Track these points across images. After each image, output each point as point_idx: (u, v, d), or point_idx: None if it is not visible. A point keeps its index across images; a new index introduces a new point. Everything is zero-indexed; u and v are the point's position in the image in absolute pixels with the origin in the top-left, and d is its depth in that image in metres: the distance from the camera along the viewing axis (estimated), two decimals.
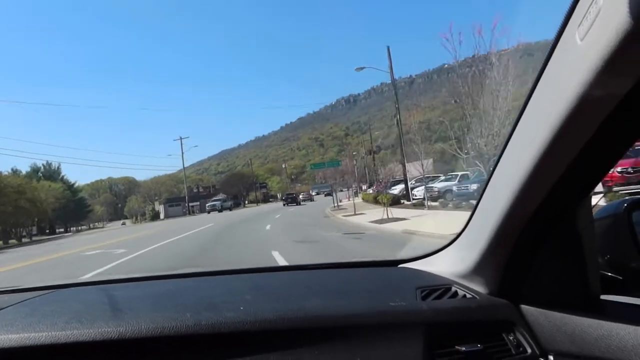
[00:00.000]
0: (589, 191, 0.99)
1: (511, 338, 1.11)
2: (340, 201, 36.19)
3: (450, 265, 1.38)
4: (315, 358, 1.06)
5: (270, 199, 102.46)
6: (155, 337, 1.06)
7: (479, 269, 1.21)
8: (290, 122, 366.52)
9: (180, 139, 71.02)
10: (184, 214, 69.57)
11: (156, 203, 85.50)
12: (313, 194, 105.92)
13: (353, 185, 64.13)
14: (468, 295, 1.22)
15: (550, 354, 1.06)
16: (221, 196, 66.86)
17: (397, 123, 35.96)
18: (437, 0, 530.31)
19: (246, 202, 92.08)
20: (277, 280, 1.71)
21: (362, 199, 39.66)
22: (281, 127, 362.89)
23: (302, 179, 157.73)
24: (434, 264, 1.49)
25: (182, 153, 71.23)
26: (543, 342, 1.08)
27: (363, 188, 61.09)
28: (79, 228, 76.72)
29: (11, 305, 1.36)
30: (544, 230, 1.04)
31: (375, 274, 1.66)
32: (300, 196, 61.97)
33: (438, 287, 1.29)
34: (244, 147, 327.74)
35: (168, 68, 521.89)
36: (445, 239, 1.49)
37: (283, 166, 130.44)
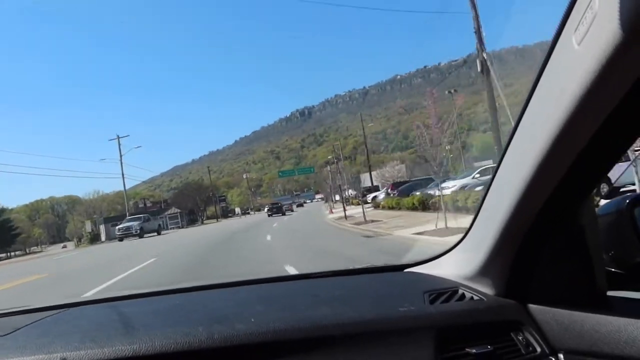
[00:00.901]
0: (591, 189, 1.00)
1: (520, 338, 1.13)
2: (332, 210, 36.48)
3: (456, 267, 1.41)
4: None
5: (229, 214, 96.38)
6: (169, 353, 1.08)
7: (485, 271, 1.23)
8: (245, 136, 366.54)
9: (118, 138, 55.32)
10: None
11: (88, 223, 68.25)
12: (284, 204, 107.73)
13: (336, 194, 64.46)
14: (475, 297, 1.24)
15: (560, 352, 1.07)
16: (139, 217, 45.28)
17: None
18: (388, 14, 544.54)
19: (204, 217, 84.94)
20: (284, 289, 1.77)
21: (355, 204, 38.39)
22: (235, 141, 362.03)
23: (260, 192, 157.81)
24: (440, 267, 1.53)
25: (121, 156, 55.13)
26: (552, 340, 1.09)
27: (346, 195, 62.25)
28: (10, 254, 67.14)
29: (23, 327, 1.39)
30: (548, 228, 1.05)
31: (381, 280, 1.71)
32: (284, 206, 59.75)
33: (445, 291, 1.31)
34: (197, 162, 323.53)
35: (116, 76, 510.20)
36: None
37: (244, 176, 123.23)
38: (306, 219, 33.19)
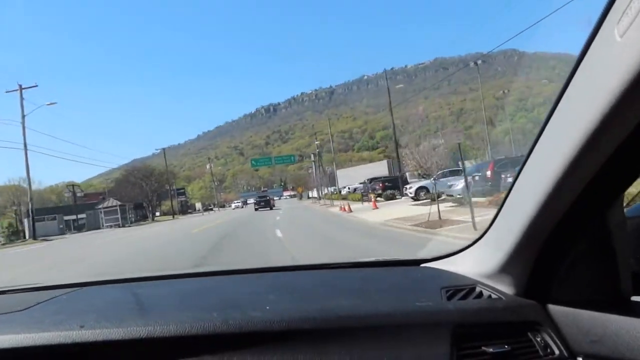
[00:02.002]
0: (622, 190, 0.97)
1: (538, 339, 1.11)
2: (346, 209, 24.43)
3: (474, 265, 1.40)
4: (342, 358, 1.08)
5: (189, 210, 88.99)
6: (184, 336, 1.09)
7: (505, 269, 1.21)
8: (208, 131, 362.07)
9: (20, 88, 39.48)
10: (61, 231, 52.16)
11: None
12: (249, 201, 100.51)
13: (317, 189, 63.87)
14: (494, 296, 1.23)
15: (579, 356, 1.05)
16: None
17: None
18: (356, 13, 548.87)
19: (156, 213, 74.90)
20: (300, 279, 1.78)
21: (351, 198, 37.63)
22: (198, 136, 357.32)
23: (224, 187, 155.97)
24: (458, 263, 1.52)
25: (23, 110, 39.14)
26: (571, 343, 1.07)
27: (327, 190, 60.16)
28: None
29: (39, 303, 1.43)
30: (573, 228, 1.02)
31: (398, 274, 1.71)
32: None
33: (463, 287, 1.31)
34: (158, 155, 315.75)
35: (78, 66, 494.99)
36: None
37: (207, 166, 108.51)
38: (330, 225, 18.01)
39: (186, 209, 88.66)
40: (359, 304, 1.26)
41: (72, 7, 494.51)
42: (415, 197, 25.10)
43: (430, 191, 21.87)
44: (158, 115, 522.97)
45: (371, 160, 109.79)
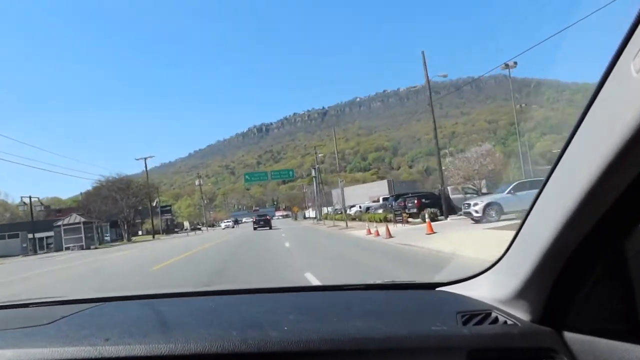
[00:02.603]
0: None
1: None
2: (374, 232, 20.45)
3: (490, 290, 1.39)
4: None
5: (176, 229, 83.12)
6: (204, 354, 1.11)
7: (521, 295, 1.21)
8: (200, 149, 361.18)
9: None
10: (24, 251, 45.97)
11: None
12: (244, 220, 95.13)
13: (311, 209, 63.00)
14: (509, 322, 1.22)
15: None
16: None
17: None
18: (348, 36, 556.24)
19: (139, 232, 70.14)
20: (317, 300, 1.80)
21: (370, 219, 31.76)
22: (189, 154, 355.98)
23: (214, 205, 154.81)
24: (473, 288, 1.51)
25: None
26: None
27: (327, 210, 58.75)
28: None
29: (64, 317, 1.47)
30: (591, 255, 1.02)
31: (414, 297, 1.71)
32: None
33: (478, 312, 1.30)
34: (149, 172, 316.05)
35: (67, 82, 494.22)
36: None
37: (197, 183, 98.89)
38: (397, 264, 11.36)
39: (172, 227, 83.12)
40: (375, 327, 1.27)
41: (63, 28, 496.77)
42: (479, 217, 18.82)
43: (505, 208, 18.00)
44: (149, 133, 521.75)
45: (364, 181, 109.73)
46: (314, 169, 63.52)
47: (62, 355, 1.13)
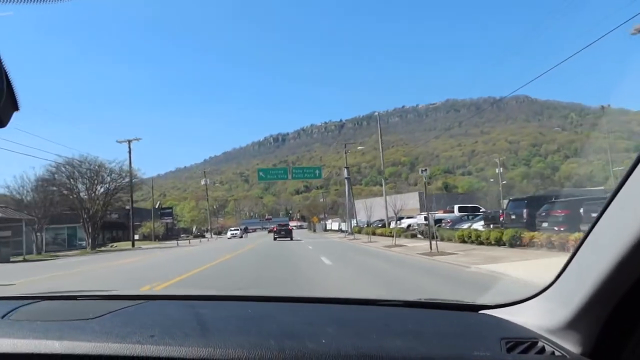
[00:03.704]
0: None
1: None
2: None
3: (538, 317, 1.31)
4: None
5: (182, 235, 76.75)
6: None
7: (572, 325, 1.14)
8: (215, 156, 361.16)
9: None
10: None
11: None
12: (248, 230, 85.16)
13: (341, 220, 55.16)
14: (557, 353, 1.15)
15: None
16: None
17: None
18: (370, 50, 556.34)
19: (135, 236, 58.84)
20: (356, 314, 1.73)
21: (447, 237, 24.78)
22: (205, 160, 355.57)
23: (225, 212, 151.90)
24: (520, 313, 1.42)
25: None
26: None
27: (356, 222, 52.43)
28: None
29: (108, 314, 1.49)
30: None
31: (456, 319, 1.60)
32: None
33: (524, 340, 1.23)
34: (163, 177, 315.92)
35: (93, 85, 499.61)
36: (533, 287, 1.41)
37: (202, 182, 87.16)
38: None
39: (173, 233, 76.56)
40: (414, 347, 1.22)
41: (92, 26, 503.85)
42: None
43: None
44: (166, 139, 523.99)
45: (382, 194, 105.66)
46: (346, 168, 56.13)
47: (105, 351, 1.17)
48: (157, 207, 72.91)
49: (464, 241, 21.90)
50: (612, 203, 0.96)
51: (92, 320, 1.39)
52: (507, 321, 1.42)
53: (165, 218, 74.81)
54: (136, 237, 60.62)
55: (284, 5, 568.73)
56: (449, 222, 30.70)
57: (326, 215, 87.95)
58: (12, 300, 1.79)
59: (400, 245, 23.66)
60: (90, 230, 43.13)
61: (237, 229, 69.33)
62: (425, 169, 24.18)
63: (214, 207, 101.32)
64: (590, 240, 1.09)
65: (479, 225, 25.34)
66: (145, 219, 67.48)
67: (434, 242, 18.34)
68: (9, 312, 1.50)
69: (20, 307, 1.61)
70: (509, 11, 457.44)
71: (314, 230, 79.42)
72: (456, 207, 38.51)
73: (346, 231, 52.08)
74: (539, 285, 1.37)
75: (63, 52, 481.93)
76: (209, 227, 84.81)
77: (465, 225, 26.14)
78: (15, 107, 0.77)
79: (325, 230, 76.66)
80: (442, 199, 50.00)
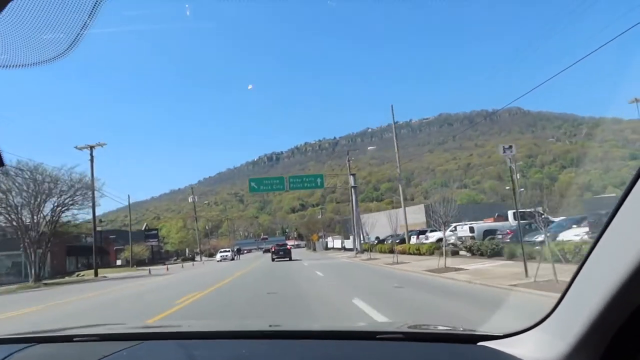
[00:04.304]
0: None
1: None
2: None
3: (536, 349, 1.29)
4: None
5: (174, 258, 71.34)
6: None
7: (570, 359, 1.12)
8: (209, 177, 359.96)
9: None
10: None
11: None
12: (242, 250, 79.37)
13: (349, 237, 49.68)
14: None
15: None
16: None
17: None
18: (361, 66, 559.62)
19: (117, 261, 59.03)
20: (351, 351, 1.68)
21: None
22: (199, 181, 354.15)
23: (219, 232, 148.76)
24: (517, 346, 1.40)
25: None
26: None
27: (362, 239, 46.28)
28: None
29: (102, 359, 1.48)
30: None
31: (453, 353, 1.57)
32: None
33: None
34: (157, 199, 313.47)
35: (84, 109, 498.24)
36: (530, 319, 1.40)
37: (189, 199, 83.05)
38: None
39: (160, 256, 71.09)
40: None
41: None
42: None
43: None
44: (159, 160, 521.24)
45: (378, 211, 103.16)
46: (352, 175, 49.75)
47: None
48: (144, 229, 69.92)
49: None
50: (606, 232, 0.94)
51: None
52: (505, 354, 1.38)
53: (150, 240, 69.59)
54: (119, 262, 57.87)
55: (273, 25, 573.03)
56: (508, 234, 23.49)
57: (325, 233, 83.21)
58: (5, 345, 1.74)
59: (458, 270, 16.67)
60: (33, 258, 34.01)
61: (228, 251, 62.02)
62: (510, 146, 15.58)
63: (207, 227, 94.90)
64: (586, 270, 1.07)
65: (573, 235, 19.03)
66: (126, 240, 62.62)
67: (531, 265, 12.43)
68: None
69: (14, 352, 1.56)
70: (501, 26, 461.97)
71: (314, 249, 74.69)
72: (510, 213, 28.41)
73: (353, 249, 47.66)
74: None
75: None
76: (199, 249, 78.96)
77: (570, 234, 18.75)
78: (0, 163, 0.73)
79: (327, 248, 71.12)
80: (466, 209, 43.45)
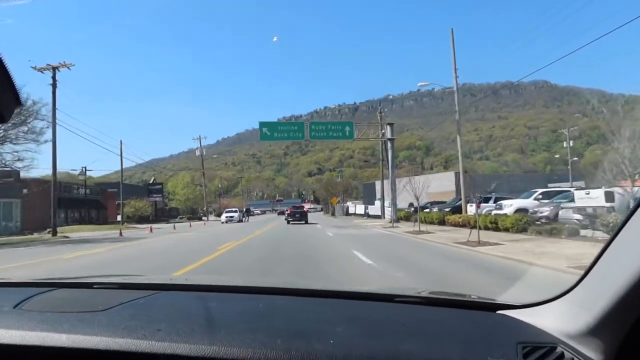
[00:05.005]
0: None
1: None
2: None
3: (558, 321, 1.25)
4: None
5: (180, 217, 65.09)
6: None
7: (594, 332, 1.09)
8: (227, 137, 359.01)
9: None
10: None
11: None
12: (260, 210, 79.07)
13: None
14: None
15: None
16: None
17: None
18: (383, 32, 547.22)
19: (116, 215, 53.84)
20: (369, 311, 1.65)
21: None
22: (217, 141, 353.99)
23: (235, 192, 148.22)
24: (539, 316, 1.35)
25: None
26: None
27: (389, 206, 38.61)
28: None
29: (118, 305, 1.49)
30: None
31: (472, 319, 1.54)
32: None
33: (542, 345, 1.17)
34: (175, 157, 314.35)
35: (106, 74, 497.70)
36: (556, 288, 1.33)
37: (197, 152, 75.84)
38: None
39: (163, 213, 65.69)
40: (427, 350, 1.19)
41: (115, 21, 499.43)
42: None
43: None
44: (178, 120, 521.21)
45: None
46: (389, 125, 40.78)
47: (110, 345, 1.19)
48: (151, 182, 65.26)
49: None
50: None
51: (101, 313, 1.40)
52: (526, 324, 1.35)
53: (154, 195, 63.73)
54: (119, 217, 51.90)
55: None
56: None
57: (343, 197, 78.38)
58: (28, 287, 1.82)
59: None
60: None
61: (235, 211, 52.76)
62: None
63: (220, 186, 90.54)
64: (618, 241, 1.05)
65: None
66: (134, 196, 59.20)
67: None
68: (23, 301, 1.51)
69: (35, 295, 1.63)
70: None
71: (333, 214, 67.38)
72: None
73: (381, 216, 40.90)
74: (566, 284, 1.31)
75: None
76: (205, 207, 72.58)
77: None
78: (17, 102, 0.77)
79: (347, 214, 63.80)
80: (493, 180, 36.92)
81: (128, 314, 1.41)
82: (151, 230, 34.11)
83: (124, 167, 53.11)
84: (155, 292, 1.76)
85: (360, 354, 1.09)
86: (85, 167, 50.54)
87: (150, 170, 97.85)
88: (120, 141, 49.40)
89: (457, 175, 39.12)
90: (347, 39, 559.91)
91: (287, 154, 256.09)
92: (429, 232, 21.74)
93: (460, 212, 25.81)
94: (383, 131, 40.81)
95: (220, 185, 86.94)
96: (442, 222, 26.23)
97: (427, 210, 31.96)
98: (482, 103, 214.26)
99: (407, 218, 33.66)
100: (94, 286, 1.91)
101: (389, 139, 39.87)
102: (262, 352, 1.10)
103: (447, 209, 27.44)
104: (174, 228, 38.28)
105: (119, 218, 52.04)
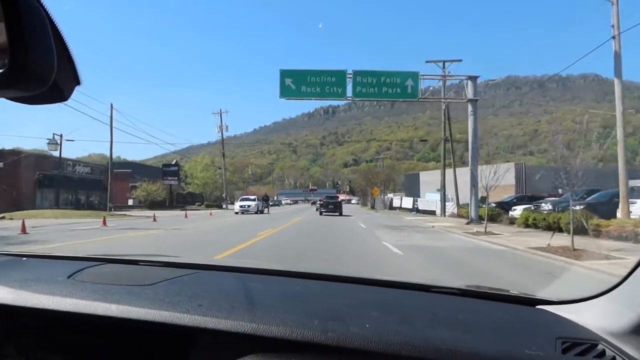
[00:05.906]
0: None
1: None
2: None
3: (600, 318, 1.22)
4: None
5: (196, 203, 59.66)
6: (284, 339, 1.12)
7: (638, 331, 1.07)
8: (265, 125, 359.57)
9: None
10: None
11: None
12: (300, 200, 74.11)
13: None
14: (618, 358, 1.07)
15: None
16: None
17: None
18: (427, 22, 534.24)
19: (127, 199, 49.04)
20: (404, 299, 1.66)
21: None
22: (254, 130, 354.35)
23: (267, 180, 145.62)
24: (580, 312, 1.31)
25: None
26: None
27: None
28: None
29: (163, 281, 1.56)
30: None
31: (510, 312, 1.50)
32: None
33: (583, 342, 1.13)
34: (212, 144, 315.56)
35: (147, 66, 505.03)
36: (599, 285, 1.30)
37: (217, 130, 64.14)
38: None
39: (179, 199, 58.69)
40: (462, 340, 1.16)
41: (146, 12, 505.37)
42: None
43: None
44: (218, 108, 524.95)
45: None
46: (470, 102, 27.15)
47: (155, 317, 1.24)
48: (171, 163, 57.99)
49: None
50: None
51: (147, 287, 1.46)
52: (565, 319, 1.32)
53: (169, 178, 56.18)
54: (130, 202, 48.15)
55: None
56: None
57: (384, 189, 70.52)
58: (80, 261, 1.94)
59: None
60: None
61: (252, 199, 42.56)
62: None
63: (250, 172, 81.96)
64: None
65: None
66: (149, 177, 52.58)
67: None
68: (76, 273, 1.62)
69: (86, 268, 1.73)
70: None
71: (373, 207, 59.70)
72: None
73: (442, 213, 33.83)
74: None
75: None
76: (225, 195, 63.37)
77: None
78: (77, 81, 0.79)
79: (391, 207, 56.07)
80: (550, 173, 29.98)
81: (172, 289, 1.46)
82: (153, 219, 26.62)
83: (160, 153, 48.47)
84: (197, 271, 1.82)
85: (394, 339, 1.09)
86: (61, 135, 37.18)
87: (186, 156, 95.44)
88: (111, 104, 39.57)
89: (517, 166, 33.34)
90: (391, 28, 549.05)
91: (324, 144, 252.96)
92: (619, 258, 10.08)
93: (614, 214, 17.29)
94: (469, 98, 27.49)
95: (251, 172, 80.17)
96: (582, 230, 14.06)
97: (515, 208, 25.25)
98: (527, 97, 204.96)
99: (492, 218, 23.63)
100: (140, 263, 2.00)
101: (470, 100, 27.00)
102: (300, 331, 1.12)
103: (579, 207, 16.51)
104: (155, 220, 26.21)
105: (130, 202, 47.97)
